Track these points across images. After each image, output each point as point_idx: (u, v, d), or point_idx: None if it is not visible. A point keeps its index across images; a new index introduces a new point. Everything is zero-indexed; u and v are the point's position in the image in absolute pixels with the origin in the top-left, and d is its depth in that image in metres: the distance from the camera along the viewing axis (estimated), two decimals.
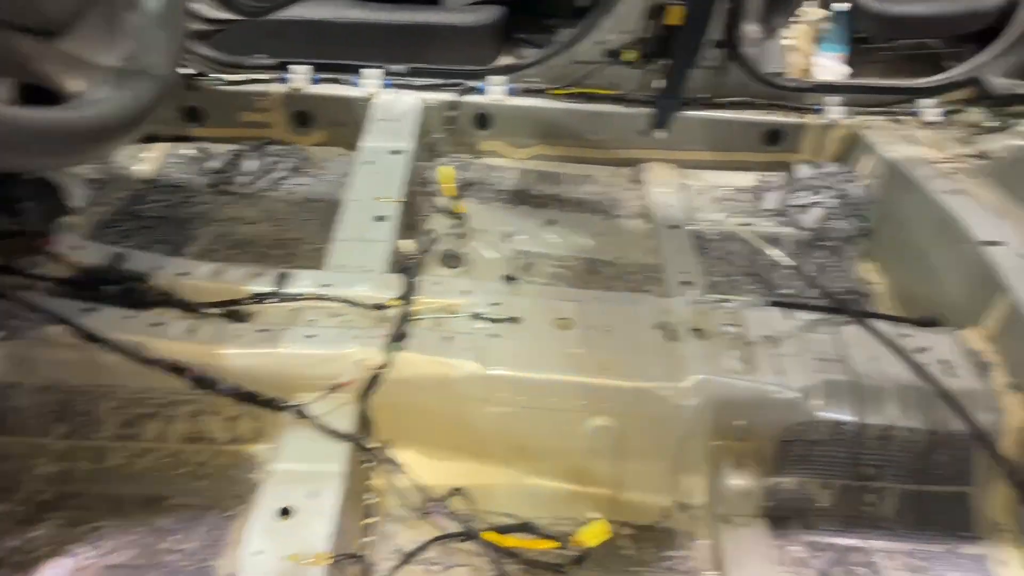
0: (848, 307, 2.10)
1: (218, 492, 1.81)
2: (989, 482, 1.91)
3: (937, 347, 2.02)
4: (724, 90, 2.97)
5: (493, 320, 1.94)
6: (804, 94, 2.99)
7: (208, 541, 1.73)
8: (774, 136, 2.99)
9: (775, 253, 2.23)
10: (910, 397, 1.88)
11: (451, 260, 2.46)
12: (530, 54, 3.15)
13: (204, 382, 1.74)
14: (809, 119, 2.97)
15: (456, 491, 1.82)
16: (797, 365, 1.91)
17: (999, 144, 2.81)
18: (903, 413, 1.87)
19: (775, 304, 2.07)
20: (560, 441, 1.88)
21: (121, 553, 1.71)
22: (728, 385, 1.85)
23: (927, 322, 2.20)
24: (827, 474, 1.90)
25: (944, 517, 1.90)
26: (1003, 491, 1.91)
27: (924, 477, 1.90)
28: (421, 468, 1.83)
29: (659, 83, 2.87)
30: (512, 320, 1.94)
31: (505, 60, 3.30)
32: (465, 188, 2.84)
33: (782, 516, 1.89)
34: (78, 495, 1.81)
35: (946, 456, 1.89)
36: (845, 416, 1.86)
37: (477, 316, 1.95)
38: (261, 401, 1.76)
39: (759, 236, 2.62)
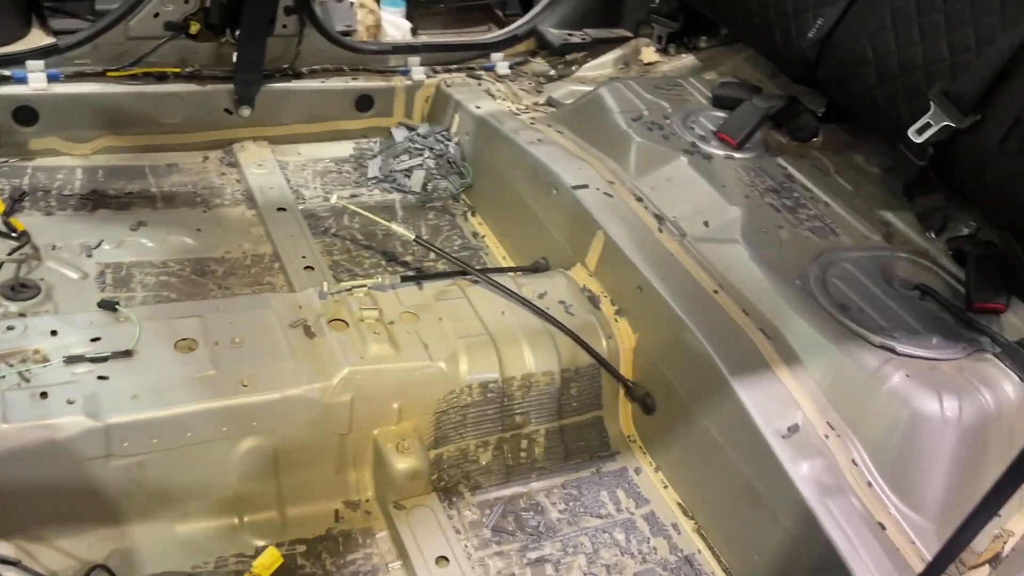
0: (470, 267, 2.16)
1: None
2: (615, 403, 2.13)
3: (553, 290, 2.18)
4: (307, 58, 2.84)
5: (97, 359, 1.63)
6: (388, 56, 2.98)
7: None
8: (366, 101, 2.95)
9: (393, 226, 2.21)
10: (541, 342, 2.00)
11: (20, 291, 2.03)
12: (72, 31, 2.68)
13: None
14: (397, 81, 2.98)
15: (96, 568, 1.53)
16: (438, 336, 1.92)
17: (563, 91, 3.10)
18: (538, 358, 1.99)
19: (405, 279, 2.05)
20: (207, 476, 1.68)
21: None
22: (377, 372, 1.80)
23: (539, 268, 2.36)
24: (483, 432, 1.96)
25: (584, 443, 2.08)
26: (626, 407, 2.14)
27: (564, 412, 2.05)
28: (42, 555, 1.50)
29: (236, 56, 2.64)
30: (122, 354, 1.66)
31: (40, 39, 2.75)
32: (20, 200, 2.36)
33: (450, 486, 1.91)
34: None
35: (578, 388, 2.06)
36: (490, 374, 1.92)
37: (75, 359, 1.62)
38: None
39: (370, 207, 2.58)
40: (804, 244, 2.16)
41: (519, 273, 2.28)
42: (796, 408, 1.79)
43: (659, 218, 2.25)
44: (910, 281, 2.08)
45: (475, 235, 2.69)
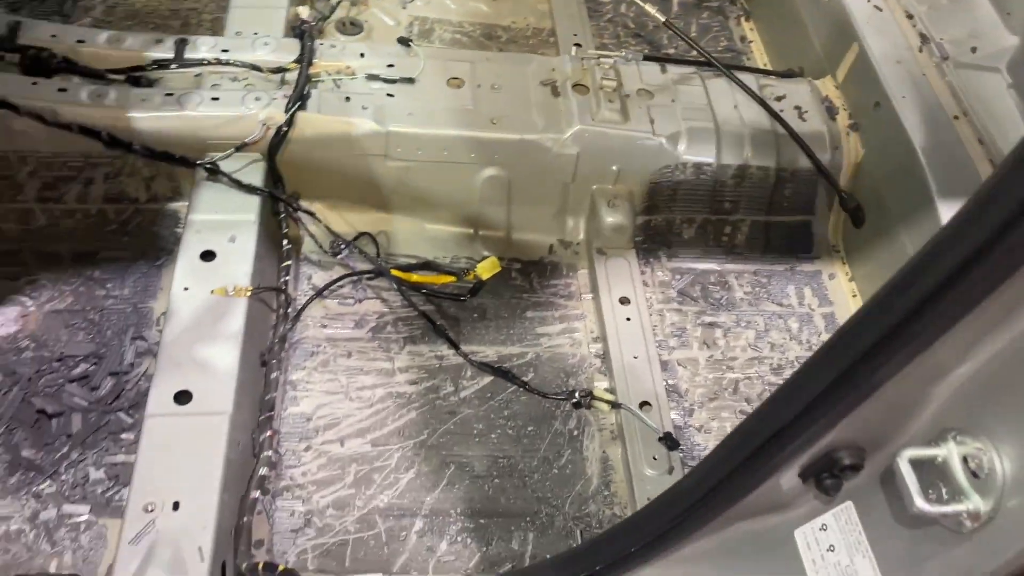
0: (714, 59, 2.29)
1: (144, 246, 1.99)
2: (827, 212, 2.22)
3: (793, 95, 2.25)
4: None
5: (389, 80, 2.07)
6: None
7: (140, 287, 1.93)
8: None
9: (647, 7, 2.36)
10: (764, 139, 2.13)
11: (350, 28, 2.52)
12: None
13: (118, 143, 1.86)
14: None
15: (364, 234, 2.04)
16: (667, 115, 2.13)
17: None
18: (757, 153, 2.12)
19: (649, 58, 2.24)
20: (455, 190, 2.09)
21: (61, 300, 1.90)
22: (603, 134, 2.06)
23: (789, 74, 2.42)
24: (690, 210, 2.18)
25: (787, 242, 2.22)
26: (838, 217, 2.23)
27: (773, 209, 2.20)
28: (331, 218, 2.03)
29: None
30: (407, 80, 2.08)
31: None
32: None
33: (651, 248, 2.18)
34: (10, 253, 1.96)
35: (792, 190, 2.18)
36: (705, 158, 2.11)
37: (374, 77, 2.07)
38: (174, 159, 1.89)
39: None
40: None
41: (768, 76, 2.36)
42: None
43: (924, 38, 2.19)
44: None
45: (743, 39, 2.76)
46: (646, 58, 2.24)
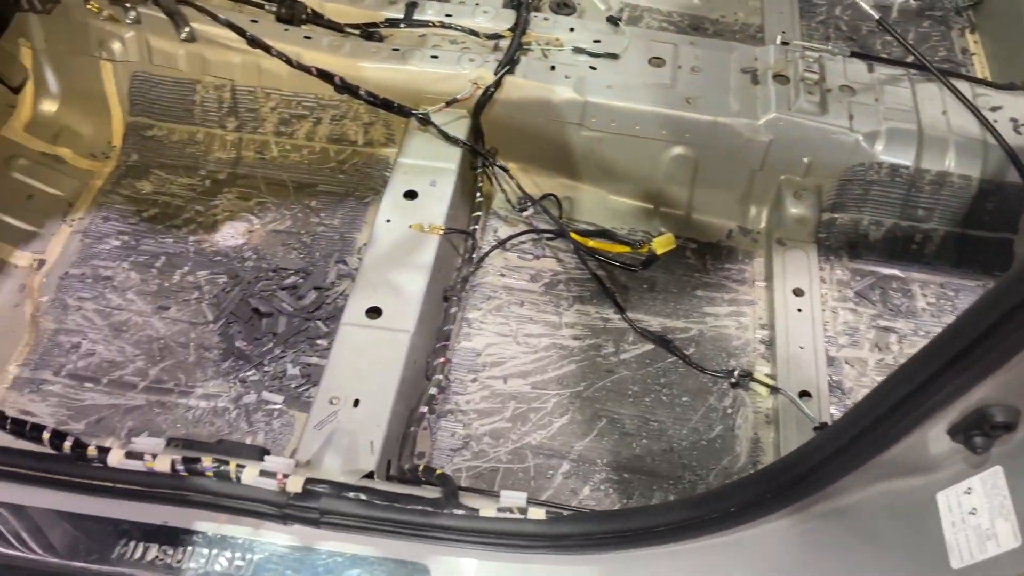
0: (927, 61, 2.22)
1: (356, 184, 2.21)
2: None
3: (1011, 107, 2.15)
4: None
5: (593, 55, 2.17)
6: None
7: (348, 219, 2.15)
8: None
9: (860, 2, 2.31)
10: (969, 148, 2.05)
11: (563, 8, 2.65)
12: None
13: (347, 88, 2.08)
14: None
15: (550, 195, 2.16)
16: (867, 112, 2.09)
17: None
18: (960, 161, 2.05)
19: (855, 55, 2.21)
20: (643, 165, 2.16)
21: (282, 223, 2.15)
22: (798, 124, 2.06)
23: (1010, 87, 2.30)
24: (879, 213, 2.13)
25: (983, 258, 2.12)
26: None
27: (970, 222, 2.11)
28: (521, 178, 2.17)
29: None
30: (610, 56, 2.18)
31: None
32: None
33: (833, 246, 2.15)
34: (246, 176, 2.24)
35: (996, 204, 2.08)
36: (903, 160, 2.06)
37: (579, 51, 2.18)
38: (393, 107, 2.09)
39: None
40: None
41: (982, 85, 2.26)
42: None
43: None
44: None
45: (963, 51, 2.64)
46: (853, 55, 2.21)
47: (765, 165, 2.12)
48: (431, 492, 1.46)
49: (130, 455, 1.46)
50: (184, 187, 2.22)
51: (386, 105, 2.10)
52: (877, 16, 2.25)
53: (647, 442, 1.81)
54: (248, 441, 1.75)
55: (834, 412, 1.84)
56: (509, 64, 2.10)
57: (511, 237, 2.10)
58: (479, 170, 2.14)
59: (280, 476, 1.43)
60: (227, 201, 2.19)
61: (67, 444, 1.48)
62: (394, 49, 2.16)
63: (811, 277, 2.06)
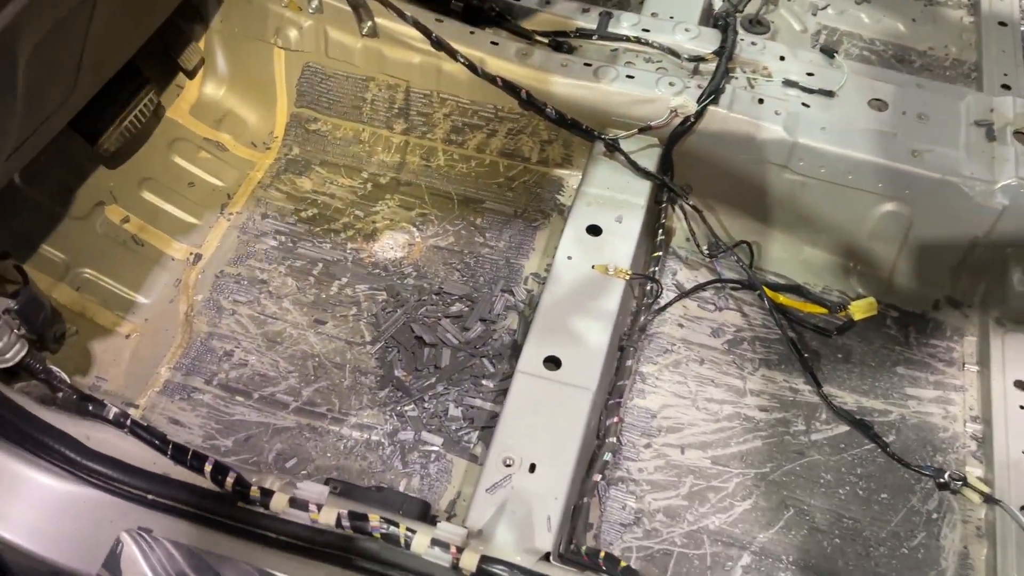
0: None
1: (526, 204, 2.05)
2: None
3: None
4: None
5: (806, 90, 1.95)
6: None
7: (515, 243, 1.99)
8: None
9: None
10: None
11: (756, 26, 2.42)
12: None
13: (533, 104, 1.91)
14: None
15: (741, 243, 1.95)
16: None
17: None
18: None
19: None
20: (848, 218, 1.93)
21: (444, 239, 2.01)
22: None
23: None
24: None
25: None
26: None
27: None
28: (709, 218, 1.96)
29: None
30: (826, 93, 1.94)
31: None
32: None
33: None
34: (409, 184, 2.10)
35: None
36: None
37: (790, 83, 1.96)
38: (581, 129, 1.92)
39: None
40: None
41: None
42: None
43: None
44: None
45: None
46: None
47: (993, 234, 1.86)
48: None
49: (294, 503, 1.35)
50: (345, 188, 2.10)
51: (573, 125, 1.92)
52: None
53: (840, 543, 1.60)
54: (403, 485, 1.62)
55: None
56: (714, 93, 1.89)
57: (698, 288, 1.90)
58: (664, 205, 1.95)
59: (453, 549, 1.29)
60: (388, 209, 2.06)
61: (229, 481, 1.37)
62: (585, 64, 1.97)
63: None
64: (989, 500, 1.63)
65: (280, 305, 1.88)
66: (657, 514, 1.61)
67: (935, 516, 1.64)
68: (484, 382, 1.74)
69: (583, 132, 1.92)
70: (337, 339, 1.82)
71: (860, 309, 1.88)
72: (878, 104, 1.95)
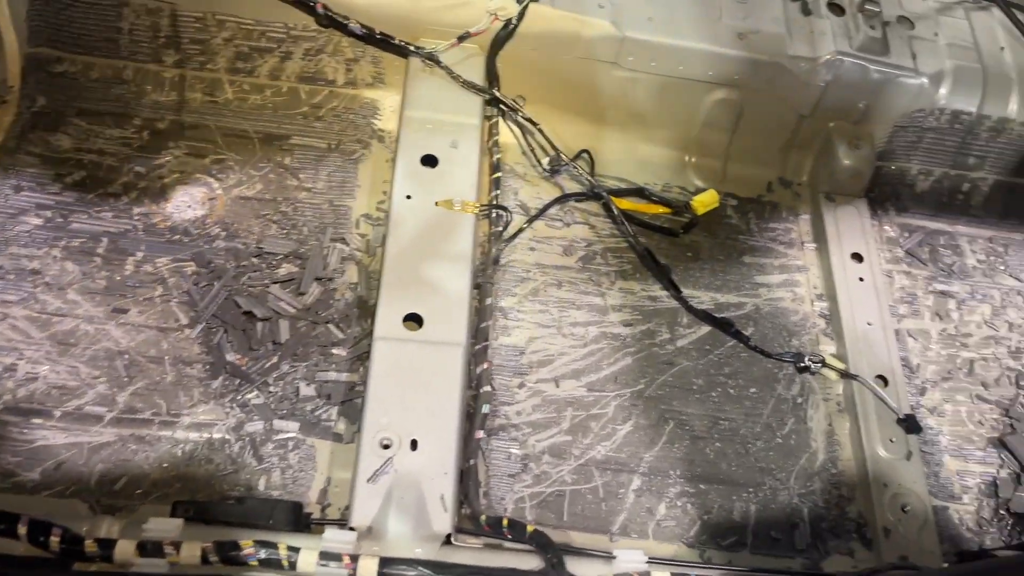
0: None
1: (339, 135, 1.80)
2: None
3: None
4: None
5: None
6: None
7: (335, 181, 1.75)
8: None
9: None
10: None
11: None
12: None
13: (334, 20, 1.64)
14: None
15: (581, 153, 1.83)
16: (930, 50, 1.87)
17: None
18: (1022, 107, 1.87)
19: None
20: (680, 110, 1.87)
21: (251, 187, 1.73)
22: (861, 66, 1.81)
23: None
24: (930, 161, 1.95)
25: None
26: None
27: (1022, 170, 1.96)
28: (544, 128, 1.82)
29: None
30: None
31: None
32: None
33: (878, 199, 1.96)
34: (195, 127, 1.78)
35: None
36: (967, 106, 1.86)
37: None
38: (392, 45, 1.68)
39: None
40: None
41: None
42: None
43: None
44: None
45: None
46: None
47: (816, 111, 1.87)
48: (528, 557, 1.21)
49: (144, 548, 1.13)
50: (115, 141, 1.74)
51: (383, 41, 1.68)
52: None
53: (720, 445, 1.61)
54: (262, 484, 1.42)
55: (910, 401, 1.70)
56: None
57: (547, 207, 1.77)
58: (495, 120, 1.78)
59: (346, 559, 1.14)
60: (175, 159, 1.74)
61: (54, 540, 1.12)
62: None
63: (867, 238, 1.87)
64: (846, 375, 1.69)
65: (64, 298, 1.55)
66: (543, 456, 1.53)
67: (800, 400, 1.68)
68: (334, 351, 1.54)
69: (396, 48, 1.69)
70: (146, 328, 1.54)
71: (703, 203, 1.85)
72: None
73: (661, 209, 1.85)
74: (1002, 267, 1.92)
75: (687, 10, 1.80)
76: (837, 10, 1.88)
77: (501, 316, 1.65)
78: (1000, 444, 1.67)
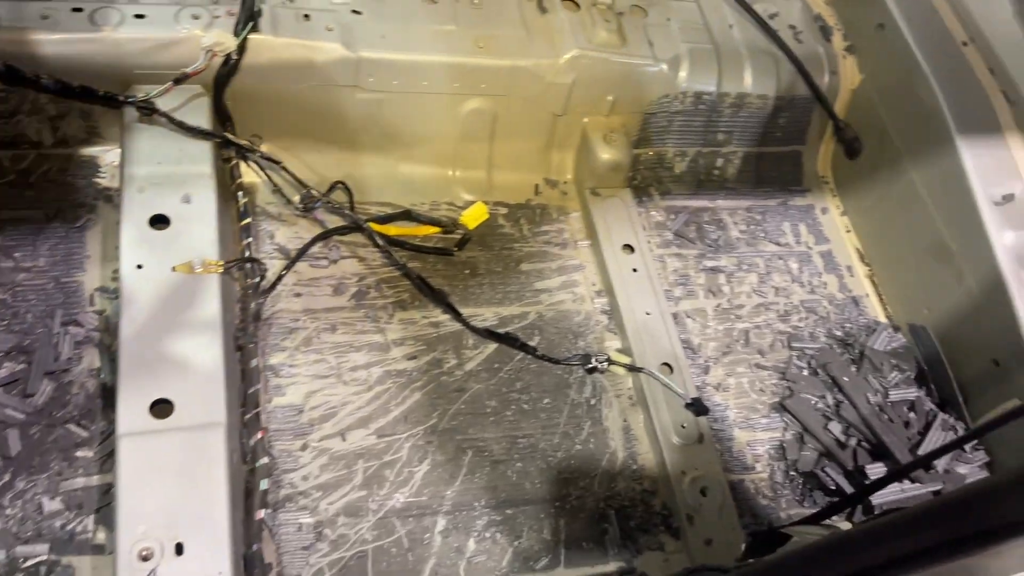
0: None
1: (56, 202, 1.60)
2: (819, 140, 2.11)
3: (785, 12, 2.08)
4: None
5: None
6: None
7: (60, 256, 1.55)
8: None
9: None
10: (764, 65, 1.96)
11: None
12: None
13: (20, 78, 1.44)
14: None
15: (335, 184, 1.73)
16: (664, 36, 1.91)
17: None
18: (756, 81, 1.96)
19: None
20: (433, 125, 1.81)
21: None
22: (602, 60, 1.82)
23: None
24: (683, 142, 2.00)
25: (777, 175, 2.10)
26: (828, 147, 2.12)
27: (766, 140, 2.05)
28: (291, 164, 1.71)
29: None
30: None
31: None
32: None
33: (641, 186, 1.99)
34: None
35: (787, 119, 2.04)
36: (707, 86, 1.92)
37: None
38: (98, 96, 1.50)
39: None
40: None
41: None
42: (1018, 179, 1.74)
43: None
44: None
45: None
46: None
47: (568, 108, 1.87)
48: None
49: None
50: None
51: (85, 94, 1.50)
52: None
53: (522, 465, 1.57)
54: None
55: (696, 382, 1.73)
56: (252, 18, 1.58)
57: (305, 248, 1.65)
58: (234, 163, 1.64)
59: None
60: None
61: None
62: (74, 9, 1.53)
63: (635, 227, 1.90)
64: (632, 369, 1.70)
65: None
66: (338, 518, 1.43)
67: (593, 402, 1.68)
68: (79, 453, 1.36)
69: (102, 99, 1.51)
70: None
71: (472, 217, 1.82)
72: None
73: (432, 230, 1.79)
74: (762, 234, 2.01)
75: (421, 23, 1.73)
76: (573, 6, 1.87)
77: (272, 375, 1.53)
78: (781, 408, 1.74)
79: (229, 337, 1.43)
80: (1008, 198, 1.71)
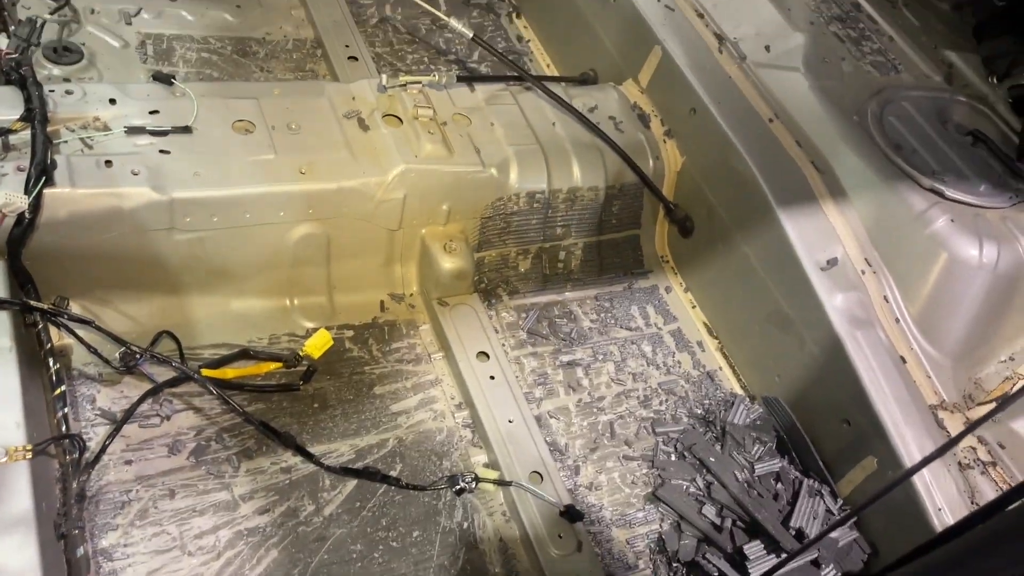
0: (525, 73, 2.11)
1: None
2: (652, 223, 2.16)
3: (604, 104, 2.15)
4: None
5: (157, 132, 1.63)
6: None
7: None
8: None
9: (452, 21, 2.12)
10: (590, 158, 2.00)
11: (64, 54, 1.98)
12: None
13: None
14: None
15: (160, 335, 1.60)
16: (490, 141, 1.92)
17: None
18: (585, 173, 1.99)
19: (460, 79, 2.01)
20: (263, 257, 1.72)
21: None
22: (431, 172, 1.80)
23: (586, 80, 2.31)
24: (524, 241, 2.00)
25: (619, 260, 2.13)
26: (663, 228, 2.18)
27: (603, 228, 2.09)
28: (109, 318, 1.58)
29: None
30: (182, 130, 1.65)
31: None
32: None
33: (490, 288, 1.97)
34: None
35: (620, 206, 2.09)
36: (538, 185, 1.94)
37: (136, 130, 1.62)
38: None
39: None
40: (865, 79, 2.12)
41: (570, 84, 2.24)
42: (838, 243, 1.83)
43: (719, 38, 2.17)
44: (965, 126, 2.06)
45: (519, 39, 2.61)
46: (459, 78, 2.00)
47: (403, 223, 1.83)
48: None
49: None
50: None
51: None
52: (471, 34, 2.05)
53: None
54: None
55: (562, 479, 1.69)
56: (44, 172, 1.46)
57: (135, 407, 1.51)
58: (39, 327, 1.50)
59: None
60: None
61: None
62: None
63: (487, 333, 1.86)
64: (501, 483, 1.64)
65: None
66: None
67: (466, 525, 1.60)
68: None
69: None
70: None
71: (315, 347, 1.73)
72: (244, 125, 1.73)
73: (273, 366, 1.69)
74: (613, 321, 2.02)
75: (238, 155, 1.66)
76: (395, 121, 1.86)
77: (104, 560, 1.37)
78: (655, 498, 1.72)
79: (47, 528, 1.27)
80: (832, 262, 1.79)
